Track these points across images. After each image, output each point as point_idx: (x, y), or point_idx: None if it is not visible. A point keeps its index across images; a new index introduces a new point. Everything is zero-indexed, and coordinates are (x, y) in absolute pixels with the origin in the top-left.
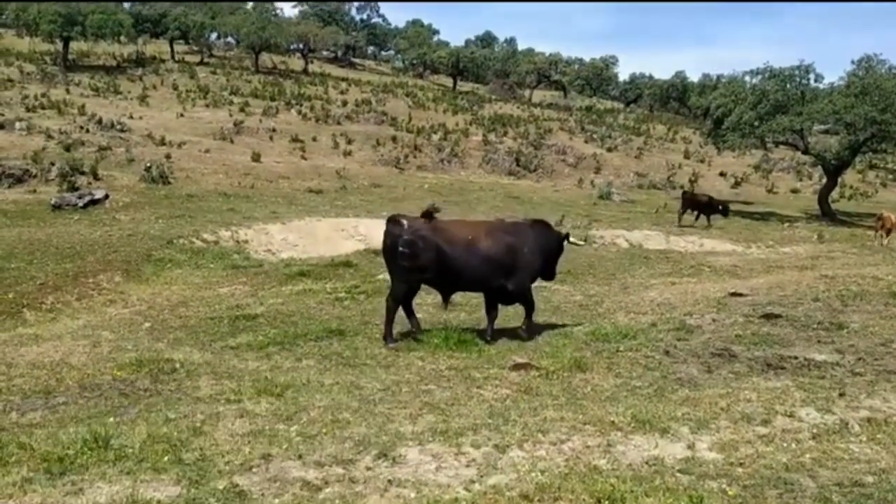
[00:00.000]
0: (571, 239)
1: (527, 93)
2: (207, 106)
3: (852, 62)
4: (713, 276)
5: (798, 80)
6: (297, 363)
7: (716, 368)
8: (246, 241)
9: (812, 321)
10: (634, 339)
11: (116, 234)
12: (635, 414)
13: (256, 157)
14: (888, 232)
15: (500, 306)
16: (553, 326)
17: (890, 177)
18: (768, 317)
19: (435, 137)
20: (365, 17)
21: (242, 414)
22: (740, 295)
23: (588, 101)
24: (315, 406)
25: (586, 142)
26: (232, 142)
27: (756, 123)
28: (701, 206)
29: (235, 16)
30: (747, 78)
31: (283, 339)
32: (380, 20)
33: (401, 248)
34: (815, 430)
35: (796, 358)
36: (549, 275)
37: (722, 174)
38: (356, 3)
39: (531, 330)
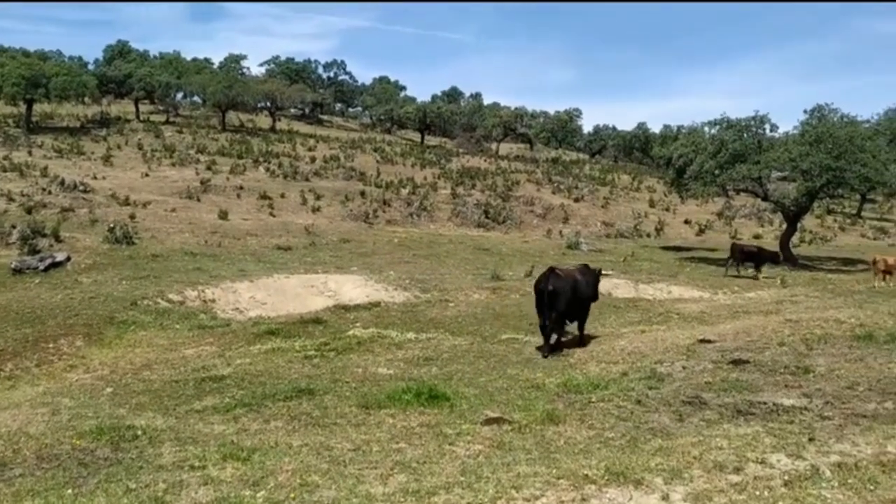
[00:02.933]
0: (604, 272)
1: (493, 146)
2: (173, 165)
3: (805, 111)
4: (682, 323)
5: (754, 129)
6: (265, 425)
7: (687, 416)
8: (213, 301)
9: (779, 366)
10: (606, 389)
11: (78, 297)
12: (609, 466)
13: (224, 215)
14: (886, 274)
15: None
16: (525, 378)
17: (848, 221)
18: (736, 363)
19: (404, 192)
20: (332, 74)
21: (207, 481)
22: (708, 341)
23: (554, 152)
24: (283, 469)
25: (553, 193)
26: (199, 200)
27: (717, 172)
28: (752, 256)
29: (201, 75)
30: (706, 128)
31: (250, 401)
32: (346, 77)
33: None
34: (786, 477)
35: (765, 403)
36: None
37: (687, 222)
38: (322, 62)
39: None
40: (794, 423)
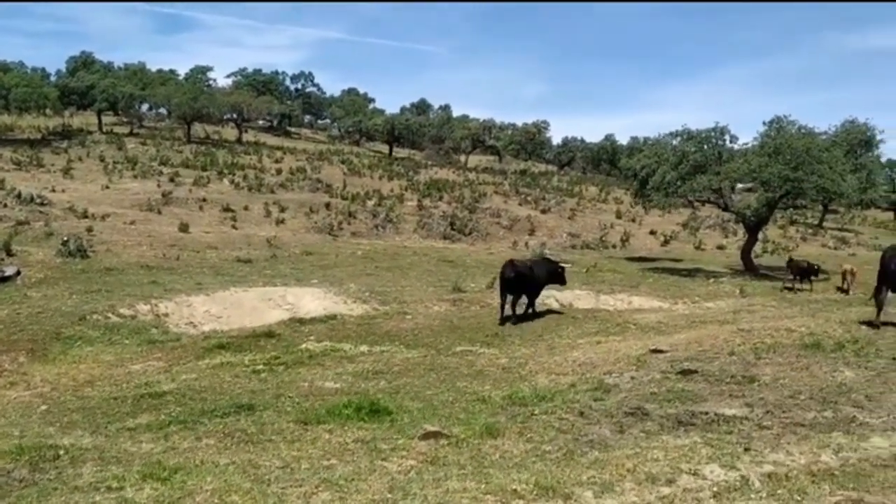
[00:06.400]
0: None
1: (462, 158)
2: (135, 177)
3: (764, 123)
4: (638, 334)
5: (714, 141)
6: (197, 443)
7: (628, 428)
8: (166, 315)
9: (726, 375)
10: (552, 402)
11: (25, 311)
12: (539, 481)
13: (184, 228)
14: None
15: None
16: (472, 391)
17: (810, 231)
18: (684, 373)
19: (370, 204)
20: (299, 86)
21: (122, 503)
22: (660, 351)
23: (523, 164)
24: (203, 490)
25: (521, 204)
26: (159, 213)
27: (678, 183)
28: (803, 271)
29: (166, 86)
30: (669, 140)
31: (186, 418)
32: (314, 89)
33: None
34: (716, 489)
35: (707, 413)
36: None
37: (652, 232)
38: (290, 74)
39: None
40: (733, 433)
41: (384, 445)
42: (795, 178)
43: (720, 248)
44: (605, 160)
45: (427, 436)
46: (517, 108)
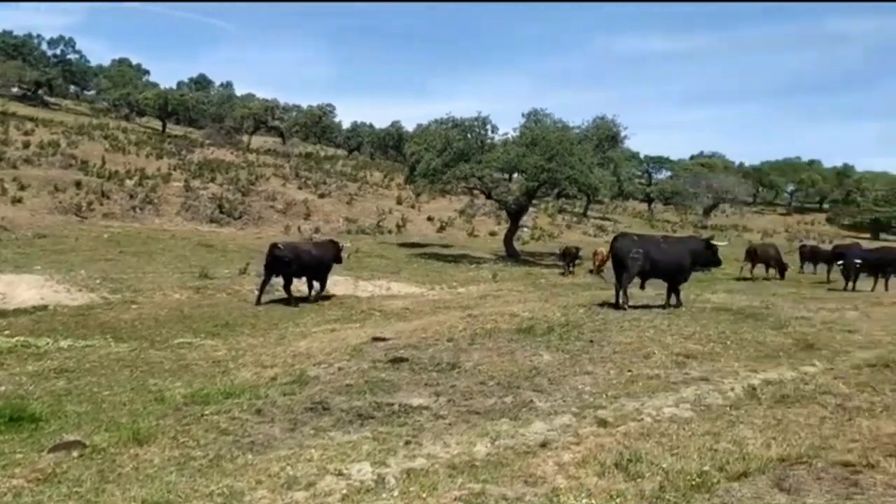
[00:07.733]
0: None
1: (245, 138)
2: None
3: (523, 115)
4: (380, 321)
5: (477, 130)
6: None
7: (302, 425)
8: None
9: (433, 363)
10: (237, 398)
11: None
12: (152, 497)
13: None
14: (601, 263)
15: None
16: (157, 390)
17: (574, 220)
18: (395, 361)
19: (129, 183)
20: (59, 52)
21: None
22: (382, 339)
23: (310, 147)
24: None
25: (300, 188)
26: None
27: (443, 170)
28: (574, 257)
29: None
30: (435, 127)
31: None
32: (77, 56)
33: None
34: (346, 491)
35: (392, 405)
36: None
37: (430, 219)
38: (47, 38)
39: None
40: (406, 425)
41: None
42: (550, 169)
43: (492, 234)
44: (391, 146)
45: (59, 447)
46: (307, 89)
